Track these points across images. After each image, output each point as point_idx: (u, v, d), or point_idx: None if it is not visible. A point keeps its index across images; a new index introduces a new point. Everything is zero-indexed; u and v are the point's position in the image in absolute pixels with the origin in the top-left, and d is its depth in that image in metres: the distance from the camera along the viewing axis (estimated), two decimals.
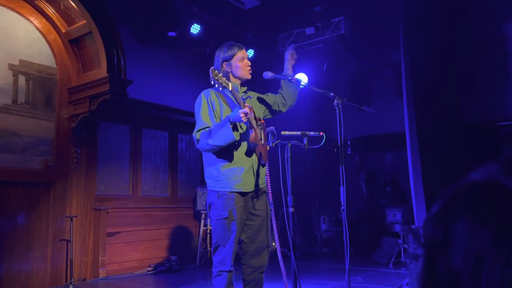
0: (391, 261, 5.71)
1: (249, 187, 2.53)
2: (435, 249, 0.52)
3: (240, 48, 2.68)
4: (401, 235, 5.82)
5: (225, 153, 2.53)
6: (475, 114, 6.37)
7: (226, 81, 2.39)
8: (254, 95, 2.81)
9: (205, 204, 6.02)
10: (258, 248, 2.59)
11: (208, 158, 2.61)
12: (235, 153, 2.54)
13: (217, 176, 2.54)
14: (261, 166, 2.61)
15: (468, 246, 0.49)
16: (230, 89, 2.39)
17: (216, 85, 2.34)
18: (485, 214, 0.51)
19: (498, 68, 6.40)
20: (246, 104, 2.45)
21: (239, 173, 2.51)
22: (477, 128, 6.28)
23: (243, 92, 2.71)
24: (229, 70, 2.66)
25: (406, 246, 5.74)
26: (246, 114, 2.34)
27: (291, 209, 2.47)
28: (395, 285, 4.27)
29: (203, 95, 2.64)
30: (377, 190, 7.59)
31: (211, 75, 2.31)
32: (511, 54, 6.37)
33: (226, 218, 2.47)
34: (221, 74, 2.38)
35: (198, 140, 2.54)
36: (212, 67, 2.35)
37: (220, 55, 2.69)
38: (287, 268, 2.59)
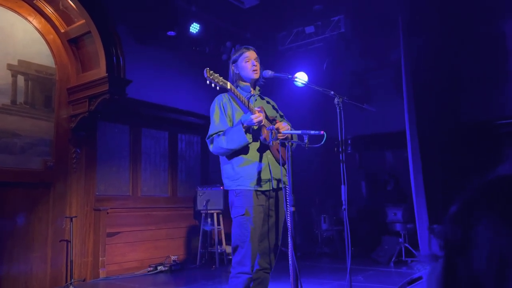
0: (392, 260, 5.69)
1: (265, 185, 2.54)
2: (455, 251, 0.49)
3: (247, 50, 2.72)
4: (402, 234, 5.80)
5: (240, 151, 2.55)
6: (475, 112, 6.36)
7: (223, 80, 2.42)
8: (268, 101, 2.85)
9: (205, 203, 6.03)
10: (266, 249, 2.57)
11: (224, 157, 2.65)
12: (250, 151, 2.56)
13: (233, 175, 2.56)
14: (278, 166, 2.61)
15: (491, 249, 0.46)
16: (229, 87, 2.42)
17: (213, 85, 2.38)
18: (509, 213, 0.47)
19: (497, 66, 6.38)
20: (256, 109, 2.49)
21: (254, 171, 2.52)
22: (477, 127, 6.27)
23: (254, 94, 2.74)
24: (237, 71, 2.71)
25: (407, 245, 5.73)
26: (258, 119, 2.40)
27: (292, 209, 2.45)
28: (396, 284, 4.25)
29: (216, 100, 2.68)
30: (378, 189, 7.58)
31: (205, 75, 2.34)
32: (511, 52, 6.36)
33: (243, 215, 2.47)
34: (217, 74, 2.42)
35: (211, 145, 2.57)
36: (207, 68, 2.36)
37: (231, 58, 2.76)
38: (288, 268, 2.57)
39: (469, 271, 0.48)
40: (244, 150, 2.55)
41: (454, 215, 0.52)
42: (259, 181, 2.51)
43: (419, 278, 2.95)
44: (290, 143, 2.51)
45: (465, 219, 0.50)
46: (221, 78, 2.40)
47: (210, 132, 2.61)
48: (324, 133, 2.40)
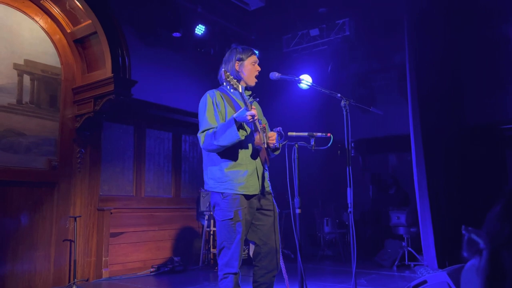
0: (395, 263, 5.68)
1: (253, 189, 2.50)
2: (500, 245, 0.53)
3: (254, 54, 2.68)
4: (405, 238, 5.78)
5: (230, 154, 2.50)
6: (479, 116, 6.35)
7: (237, 83, 2.40)
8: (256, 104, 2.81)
9: (209, 205, 6.04)
10: (271, 249, 2.54)
11: (211, 158, 2.58)
12: (239, 155, 2.51)
13: (220, 178, 2.50)
14: (265, 170, 2.60)
15: None
16: (240, 91, 2.39)
17: (228, 87, 2.37)
18: None
19: (502, 70, 6.37)
20: (253, 107, 2.44)
21: (243, 176, 2.48)
22: (481, 130, 6.26)
23: (248, 95, 2.69)
24: (239, 70, 2.64)
25: (410, 249, 5.71)
26: (253, 116, 2.34)
27: (298, 211, 2.45)
28: None
29: (208, 96, 2.61)
30: (381, 192, 7.57)
31: (223, 76, 2.34)
32: None
33: (232, 219, 2.43)
34: (231, 76, 2.40)
35: (203, 141, 2.51)
36: (224, 69, 2.37)
37: (234, 54, 2.67)
38: (293, 270, 2.57)
39: None
40: (235, 153, 2.50)
41: (500, 213, 0.56)
42: (246, 185, 2.47)
43: (424, 282, 2.95)
44: (296, 144, 2.50)
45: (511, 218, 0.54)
46: (235, 80, 2.40)
47: (203, 127, 2.54)
48: (331, 135, 2.41)
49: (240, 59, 2.64)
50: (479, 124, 6.28)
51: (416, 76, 5.25)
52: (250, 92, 2.72)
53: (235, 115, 2.43)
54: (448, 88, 5.74)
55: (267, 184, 2.61)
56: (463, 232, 0.64)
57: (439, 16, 5.68)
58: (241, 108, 2.48)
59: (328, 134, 2.43)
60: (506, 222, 0.55)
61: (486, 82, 6.41)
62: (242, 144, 2.50)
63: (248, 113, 2.34)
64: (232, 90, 2.39)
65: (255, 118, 2.37)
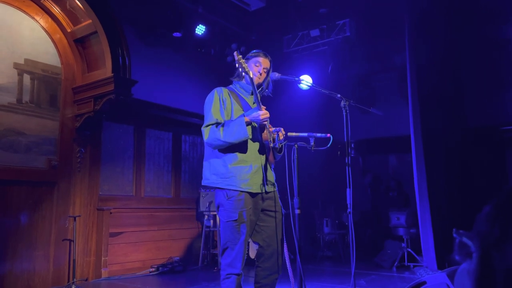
0: (395, 264, 5.67)
1: (256, 187, 2.46)
2: (490, 245, 0.53)
3: (264, 56, 2.67)
4: (405, 239, 5.78)
5: (236, 148, 2.46)
6: (480, 117, 6.35)
7: (248, 68, 2.42)
8: None
9: (209, 204, 6.03)
10: (274, 251, 2.51)
11: (215, 152, 2.53)
12: (247, 151, 2.49)
13: (223, 173, 2.47)
14: (270, 169, 2.58)
15: None
16: (251, 76, 2.42)
17: (240, 69, 2.39)
18: None
19: (502, 70, 6.37)
20: (263, 107, 2.45)
21: (247, 172, 2.45)
22: (481, 132, 6.25)
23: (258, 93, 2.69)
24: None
25: (410, 250, 5.70)
26: (265, 117, 2.36)
27: (298, 211, 2.45)
28: None
29: (215, 91, 2.59)
30: (381, 194, 7.57)
31: (236, 58, 2.35)
32: None
33: (236, 220, 2.40)
34: (244, 60, 2.42)
35: (207, 135, 2.47)
36: (237, 51, 2.38)
37: (247, 54, 2.74)
38: (292, 271, 2.56)
39: (505, 264, 0.51)
40: (242, 149, 2.47)
41: (489, 214, 0.56)
42: (250, 182, 2.44)
43: (423, 283, 2.94)
44: (296, 145, 2.50)
45: (502, 218, 0.54)
46: (246, 65, 2.41)
47: (207, 121, 2.51)
48: (331, 136, 2.41)
49: (247, 58, 2.67)
50: (479, 125, 6.27)
51: (416, 77, 5.25)
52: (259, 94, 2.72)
53: (247, 113, 2.42)
54: (448, 89, 5.74)
55: (273, 184, 2.58)
56: (454, 235, 0.64)
57: (440, 16, 5.68)
58: (248, 105, 2.49)
59: (328, 135, 2.43)
60: (496, 222, 0.55)
61: (487, 83, 6.40)
62: (250, 140, 2.49)
63: (261, 113, 2.37)
64: (243, 74, 2.43)
65: (268, 118, 2.39)
